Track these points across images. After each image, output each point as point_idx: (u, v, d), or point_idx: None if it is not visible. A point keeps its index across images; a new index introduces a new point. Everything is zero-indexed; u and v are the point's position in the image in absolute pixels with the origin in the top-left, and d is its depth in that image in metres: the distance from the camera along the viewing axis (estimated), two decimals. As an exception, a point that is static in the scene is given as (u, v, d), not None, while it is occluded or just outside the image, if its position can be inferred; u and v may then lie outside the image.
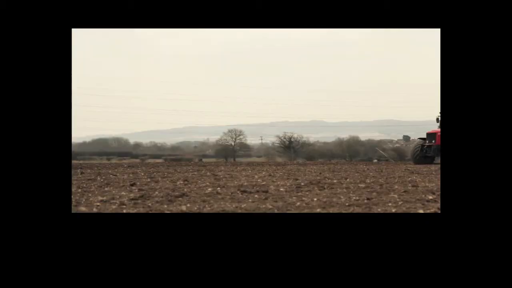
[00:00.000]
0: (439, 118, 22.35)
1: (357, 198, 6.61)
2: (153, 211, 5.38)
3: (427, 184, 8.94)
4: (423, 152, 22.28)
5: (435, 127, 23.06)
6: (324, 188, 8.04)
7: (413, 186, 8.58)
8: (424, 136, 23.04)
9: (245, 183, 8.98)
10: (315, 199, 6.47)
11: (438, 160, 22.04)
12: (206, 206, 5.79)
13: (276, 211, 5.45)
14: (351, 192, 7.46)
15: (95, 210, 5.49)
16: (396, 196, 6.90)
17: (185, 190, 7.63)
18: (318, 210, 5.51)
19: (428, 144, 22.27)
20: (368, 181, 9.82)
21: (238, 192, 7.36)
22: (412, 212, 5.39)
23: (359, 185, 8.75)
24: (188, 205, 5.84)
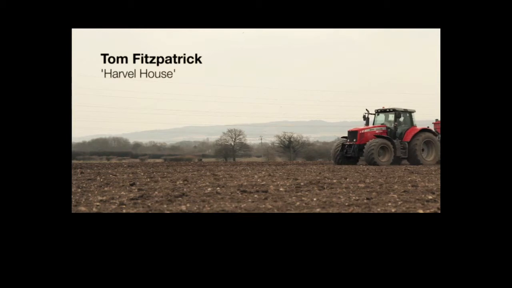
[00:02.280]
0: (366, 115, 20.62)
1: (357, 198, 6.61)
2: (152, 211, 5.37)
3: (427, 184, 8.92)
4: (344, 152, 19.78)
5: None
6: (324, 188, 8.03)
7: (413, 186, 8.57)
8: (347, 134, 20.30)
9: (245, 183, 8.97)
10: (314, 199, 6.47)
11: (363, 161, 19.44)
12: (206, 206, 5.79)
13: (275, 211, 5.44)
14: (351, 192, 7.45)
15: (95, 210, 5.48)
16: (396, 196, 6.89)
17: (185, 190, 7.62)
18: (318, 210, 5.50)
19: (349, 143, 19.73)
20: (368, 181, 9.81)
21: (238, 192, 7.35)
22: (412, 212, 5.39)
23: (359, 185, 8.74)
24: (188, 205, 5.84)
